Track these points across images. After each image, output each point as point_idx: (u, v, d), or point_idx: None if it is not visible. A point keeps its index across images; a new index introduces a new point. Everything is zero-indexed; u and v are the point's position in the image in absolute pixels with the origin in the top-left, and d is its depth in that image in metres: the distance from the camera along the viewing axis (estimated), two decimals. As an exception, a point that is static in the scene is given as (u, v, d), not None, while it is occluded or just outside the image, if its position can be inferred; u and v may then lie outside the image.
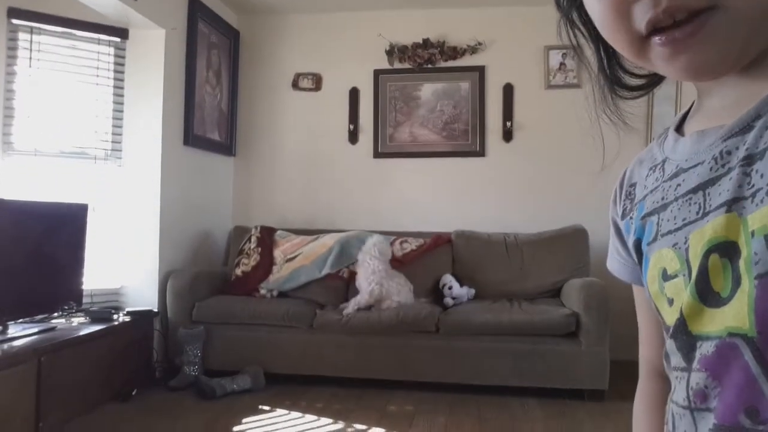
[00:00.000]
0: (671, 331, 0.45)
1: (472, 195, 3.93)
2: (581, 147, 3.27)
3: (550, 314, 2.95)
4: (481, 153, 3.94)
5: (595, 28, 0.51)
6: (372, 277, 3.14)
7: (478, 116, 3.94)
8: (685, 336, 0.43)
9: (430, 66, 3.97)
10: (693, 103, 0.53)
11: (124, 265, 3.25)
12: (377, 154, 4.02)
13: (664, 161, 0.51)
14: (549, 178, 3.82)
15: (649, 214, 0.50)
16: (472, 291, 3.38)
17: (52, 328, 2.53)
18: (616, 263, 0.60)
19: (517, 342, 2.91)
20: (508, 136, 3.92)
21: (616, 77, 0.56)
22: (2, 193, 2.88)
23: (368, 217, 3.89)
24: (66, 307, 2.75)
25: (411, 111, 4.00)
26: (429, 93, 3.99)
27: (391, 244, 3.45)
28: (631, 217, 0.55)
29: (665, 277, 0.46)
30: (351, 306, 3.12)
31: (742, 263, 0.38)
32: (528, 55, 3.88)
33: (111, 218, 3.24)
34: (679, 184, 0.47)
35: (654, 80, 0.56)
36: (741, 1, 0.39)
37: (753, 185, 0.38)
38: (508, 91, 3.93)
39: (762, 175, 0.38)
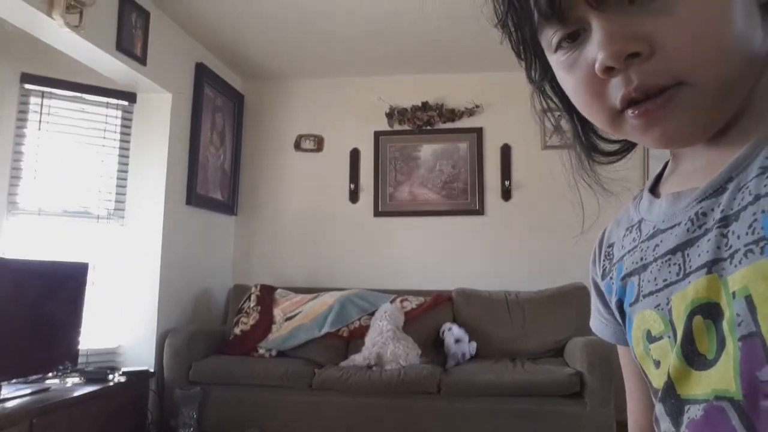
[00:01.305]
0: (660, 394, 0.45)
1: (472, 253, 3.94)
2: (579, 206, 3.30)
3: (553, 374, 2.89)
4: (480, 211, 3.98)
5: (567, 98, 0.52)
6: (378, 338, 3.11)
7: (476, 176, 4.00)
8: (673, 399, 0.43)
9: (429, 128, 4.07)
10: (666, 164, 0.54)
11: (122, 323, 3.22)
12: (378, 213, 4.06)
13: (640, 222, 0.52)
14: (548, 235, 3.83)
15: (629, 274, 0.50)
16: (474, 344, 3.33)
17: (46, 389, 2.48)
18: (598, 323, 0.60)
19: (520, 403, 2.84)
20: (506, 195, 3.97)
21: (591, 143, 0.56)
22: (5, 252, 2.90)
23: (369, 275, 3.89)
24: (61, 368, 2.71)
25: (411, 171, 4.07)
26: (428, 153, 4.07)
27: (391, 302, 3.43)
28: (611, 278, 0.55)
29: (650, 338, 0.46)
30: (347, 362, 3.07)
31: (725, 325, 0.38)
32: (525, 117, 3.96)
33: (111, 276, 3.24)
34: (657, 245, 0.47)
35: (628, 145, 0.57)
36: (706, 77, 0.40)
37: (730, 246, 0.39)
38: (506, 151, 4.01)
39: (738, 237, 0.38)
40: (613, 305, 0.55)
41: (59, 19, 2.46)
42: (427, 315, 3.47)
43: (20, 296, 2.55)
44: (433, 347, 3.36)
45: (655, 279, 0.46)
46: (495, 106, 4.00)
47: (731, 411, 0.37)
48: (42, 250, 3.03)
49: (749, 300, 0.36)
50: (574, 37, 0.44)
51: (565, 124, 0.57)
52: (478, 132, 4.04)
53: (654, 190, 0.53)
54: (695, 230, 0.43)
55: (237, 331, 3.40)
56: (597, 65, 0.42)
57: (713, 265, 0.40)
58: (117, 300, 3.23)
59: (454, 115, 4.06)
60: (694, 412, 0.40)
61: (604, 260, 0.57)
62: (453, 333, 3.29)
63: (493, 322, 3.45)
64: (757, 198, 0.38)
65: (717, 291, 0.39)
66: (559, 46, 0.46)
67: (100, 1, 2.65)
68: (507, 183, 3.97)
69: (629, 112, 0.43)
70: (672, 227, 0.46)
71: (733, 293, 0.37)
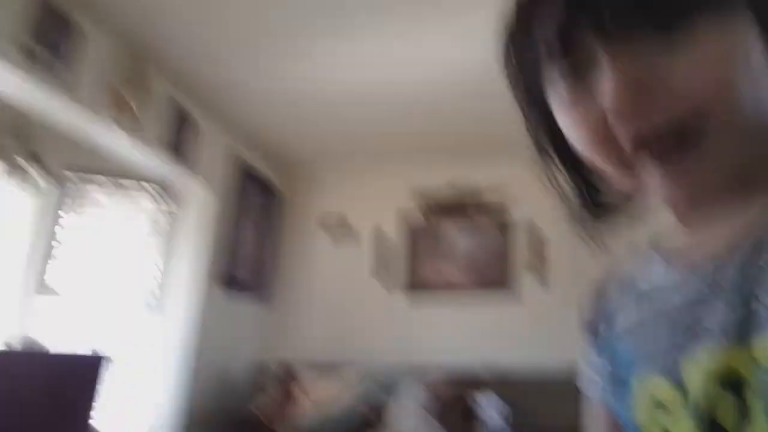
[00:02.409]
0: None
1: (504, 337, 3.83)
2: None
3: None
4: (511, 293, 3.91)
5: (563, 150, 0.49)
6: (405, 422, 3.00)
7: (506, 259, 3.97)
8: None
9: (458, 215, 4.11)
10: (668, 224, 0.50)
11: (147, 414, 3.20)
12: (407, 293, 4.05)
13: (640, 279, 0.49)
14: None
15: (626, 333, 0.47)
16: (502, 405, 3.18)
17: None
18: (593, 388, 0.54)
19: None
20: (540, 279, 3.91)
21: (593, 198, 0.52)
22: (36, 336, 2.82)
23: (395, 356, 3.81)
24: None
25: (438, 252, 4.07)
26: (458, 235, 4.08)
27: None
28: (605, 337, 0.52)
29: (658, 406, 0.42)
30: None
31: (750, 396, 0.35)
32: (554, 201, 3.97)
33: (138, 365, 3.25)
34: (661, 302, 0.44)
35: (627, 198, 0.52)
36: (726, 124, 0.38)
37: (753, 311, 0.36)
38: (537, 235, 3.98)
39: (760, 300, 0.36)
40: (600, 367, 0.52)
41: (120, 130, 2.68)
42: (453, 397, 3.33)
43: (27, 389, 2.23)
44: (463, 425, 3.21)
45: (656, 339, 0.43)
46: (526, 192, 4.00)
47: None
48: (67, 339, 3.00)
49: None
50: (580, 73, 0.41)
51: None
52: (508, 217, 4.05)
53: (658, 247, 0.50)
54: (705, 291, 0.40)
55: (259, 412, 3.34)
56: (610, 116, 0.39)
57: (732, 331, 0.37)
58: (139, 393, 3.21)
59: (485, 206, 4.09)
60: None
61: (597, 315, 0.54)
62: (491, 400, 3.17)
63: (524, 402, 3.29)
64: None
65: (738, 359, 0.36)
66: (562, 79, 0.43)
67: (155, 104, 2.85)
68: (539, 267, 3.91)
69: (648, 158, 0.40)
70: (679, 285, 0.43)
71: (757, 360, 0.35)
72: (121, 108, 2.75)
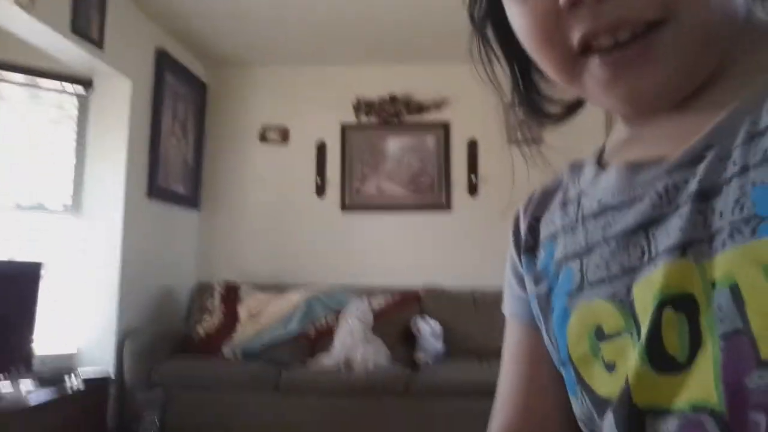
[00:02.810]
0: (614, 404, 0.37)
1: (439, 248, 3.94)
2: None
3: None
4: (447, 206, 3.98)
5: (510, 44, 0.46)
6: (347, 340, 3.07)
7: (443, 171, 3.99)
8: (629, 410, 0.35)
9: (396, 121, 4.02)
10: (612, 133, 0.47)
11: (80, 326, 3.08)
12: (344, 208, 4.00)
13: (579, 195, 0.45)
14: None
15: (566, 258, 0.43)
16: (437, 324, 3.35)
17: (-2, 397, 2.35)
18: (516, 304, 0.52)
19: (488, 402, 2.84)
20: (473, 190, 3.98)
21: (532, 101, 0.50)
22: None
23: (335, 271, 3.84)
24: (14, 373, 2.57)
25: (378, 165, 4.02)
26: (396, 147, 4.03)
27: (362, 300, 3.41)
28: (535, 256, 0.48)
29: (600, 336, 0.39)
30: (315, 363, 3.04)
31: (702, 320, 0.32)
32: (492, 111, 3.98)
33: (68, 274, 3.08)
34: (608, 224, 0.40)
35: (572, 108, 0.51)
36: (695, 14, 0.35)
37: (710, 225, 0.33)
38: (473, 146, 4.01)
39: (721, 214, 0.32)
40: (530, 289, 0.48)
41: (10, -1, 2.28)
42: (394, 313, 3.46)
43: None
44: (403, 342, 3.36)
45: (607, 264, 0.39)
46: (463, 101, 3.97)
47: (712, 425, 0.31)
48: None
49: (735, 290, 0.30)
50: None
51: (504, 81, 0.51)
52: (445, 126, 4.02)
53: (600, 161, 0.46)
54: (664, 206, 0.36)
55: (200, 331, 3.30)
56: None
57: (687, 247, 0.34)
58: (74, 300, 3.08)
59: (421, 107, 4.02)
60: (663, 427, 0.33)
61: (525, 233, 0.50)
62: (431, 325, 3.29)
63: (460, 320, 3.47)
64: (745, 169, 0.32)
65: (692, 279, 0.33)
66: None
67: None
68: (474, 178, 3.98)
69: (595, 59, 0.37)
70: (629, 202, 0.39)
71: (713, 282, 0.32)
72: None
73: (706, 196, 0.34)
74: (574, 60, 0.38)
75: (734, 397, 0.30)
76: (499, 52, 0.49)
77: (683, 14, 0.35)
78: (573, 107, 0.51)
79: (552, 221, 0.47)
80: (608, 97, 0.39)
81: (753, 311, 0.29)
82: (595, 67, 0.37)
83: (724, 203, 0.32)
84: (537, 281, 0.47)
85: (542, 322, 0.47)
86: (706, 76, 0.37)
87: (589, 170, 0.45)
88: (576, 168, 0.48)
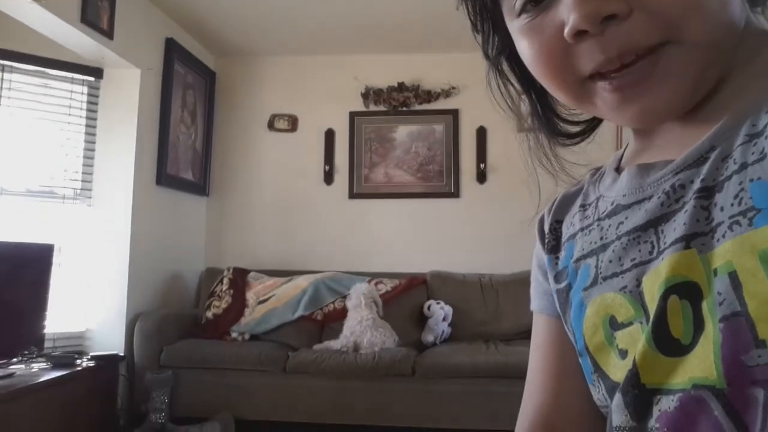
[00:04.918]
0: (621, 385, 0.40)
1: (447, 235, 3.94)
2: (553, 188, 3.32)
3: (525, 356, 2.91)
4: (455, 194, 3.97)
5: (525, 76, 0.48)
6: (357, 327, 3.09)
7: (452, 158, 3.99)
8: (637, 390, 0.38)
9: (404, 109, 4.03)
10: (627, 144, 0.50)
11: (91, 307, 3.14)
12: (352, 195, 4.02)
13: (597, 199, 0.48)
14: (522, 218, 3.83)
15: (584, 256, 0.46)
16: (449, 308, 3.37)
17: (10, 375, 2.41)
18: (542, 300, 0.55)
19: (494, 384, 2.86)
20: (481, 177, 3.97)
21: (552, 125, 0.53)
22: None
23: (343, 258, 3.86)
24: (26, 352, 2.63)
25: (386, 152, 4.03)
26: (404, 135, 4.04)
27: (368, 283, 3.43)
28: (557, 257, 0.52)
29: (614, 326, 0.41)
30: (322, 346, 3.07)
31: (704, 305, 0.34)
32: (500, 99, 3.96)
33: (79, 259, 3.15)
34: (621, 222, 0.43)
35: (591, 126, 0.53)
36: (693, 32, 0.37)
37: (712, 219, 0.35)
38: (482, 133, 4.00)
39: (722, 208, 0.35)
40: (552, 286, 0.51)
41: (19, -11, 2.33)
42: (402, 297, 3.47)
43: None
44: (411, 325, 3.37)
45: (620, 259, 0.42)
46: (471, 88, 3.96)
47: (712, 400, 0.33)
48: (5, 231, 2.92)
49: (733, 276, 0.33)
50: (540, 0, 0.40)
51: (524, 107, 0.54)
52: (454, 114, 4.01)
53: (618, 168, 0.49)
54: (671, 204, 0.39)
55: (209, 314, 3.34)
56: (567, 29, 0.37)
57: (692, 240, 0.36)
58: (85, 283, 3.15)
59: (430, 96, 4.02)
60: (666, 404, 0.36)
61: (548, 234, 0.54)
62: (444, 309, 3.30)
63: (467, 304, 3.47)
64: (744, 166, 0.34)
65: (696, 268, 0.35)
66: (523, 10, 0.42)
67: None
68: (482, 166, 3.97)
69: (602, 84, 0.39)
70: (640, 201, 0.42)
71: (715, 270, 0.34)
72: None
73: (709, 192, 0.36)
74: (583, 85, 0.41)
75: (734, 374, 0.32)
76: (515, 83, 0.52)
77: (684, 34, 0.36)
78: (592, 125, 0.53)
79: (572, 223, 0.50)
80: (619, 117, 0.41)
81: (750, 295, 0.32)
82: (603, 91, 0.40)
83: (725, 198, 0.35)
84: (558, 279, 0.51)
85: (562, 317, 0.50)
86: (711, 86, 0.40)
87: (608, 176, 0.49)
88: (596, 174, 0.52)
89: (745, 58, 0.40)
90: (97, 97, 3.27)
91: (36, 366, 2.62)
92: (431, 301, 3.39)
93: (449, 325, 3.36)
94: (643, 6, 0.36)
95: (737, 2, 0.39)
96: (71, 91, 3.20)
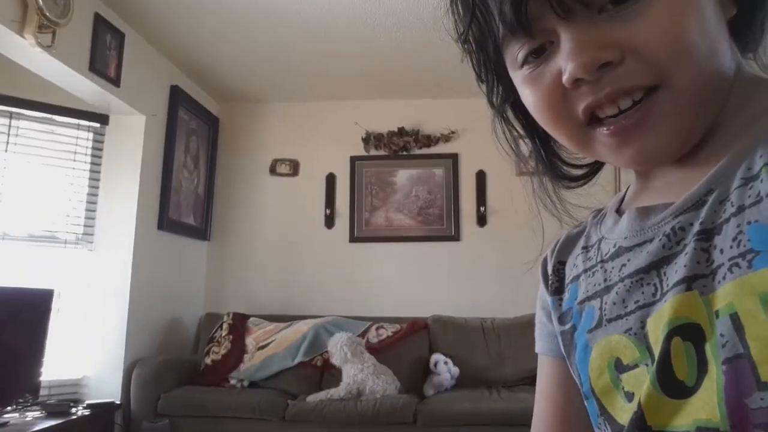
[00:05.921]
0: (627, 427, 0.40)
1: (448, 279, 3.92)
2: (557, 230, 3.32)
3: (529, 402, 2.85)
4: (456, 237, 3.98)
5: (529, 122, 0.50)
6: (360, 374, 3.03)
7: (452, 201, 4.01)
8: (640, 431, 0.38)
9: (405, 153, 4.08)
10: (629, 186, 0.51)
11: (88, 353, 3.10)
12: (353, 239, 4.02)
13: (600, 241, 0.49)
14: (523, 261, 3.82)
15: (588, 298, 0.47)
16: (456, 369, 3.30)
17: (4, 424, 2.36)
18: (546, 341, 0.56)
19: (496, 431, 2.80)
20: (482, 220, 3.98)
21: (555, 168, 0.54)
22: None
23: (344, 302, 3.83)
24: (21, 400, 2.58)
25: (387, 196, 4.06)
26: (404, 179, 4.07)
27: (367, 330, 3.38)
28: (560, 298, 0.52)
29: (620, 368, 0.42)
30: (322, 395, 3.00)
31: (708, 347, 0.35)
32: (500, 143, 4.01)
33: (78, 304, 3.13)
34: (624, 264, 0.43)
35: (594, 169, 0.54)
36: (683, 76, 0.38)
37: (713, 261, 0.36)
38: (481, 177, 4.03)
39: (721, 251, 0.35)
40: (556, 327, 0.51)
41: (31, 38, 2.39)
42: (403, 343, 3.43)
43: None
44: (413, 372, 3.31)
45: (624, 301, 0.42)
46: (470, 132, 4.02)
47: None
48: (5, 276, 2.91)
49: (735, 318, 0.33)
50: (540, 52, 0.42)
51: (526, 150, 0.55)
52: (454, 158, 4.06)
53: (618, 210, 0.50)
54: (673, 246, 0.39)
55: (208, 360, 3.30)
56: (566, 76, 0.39)
57: (693, 282, 0.36)
58: (83, 329, 3.11)
59: (430, 140, 4.07)
60: None
61: (552, 275, 0.55)
62: (450, 371, 3.25)
63: (469, 349, 3.42)
64: (741, 209, 0.35)
65: (698, 310, 0.35)
66: (525, 62, 0.43)
67: (73, 21, 2.59)
68: (482, 209, 3.98)
69: (601, 129, 0.41)
70: (642, 244, 0.42)
71: (717, 312, 0.34)
72: (43, 26, 2.48)
73: (708, 234, 0.37)
74: (583, 131, 0.43)
75: (737, 417, 0.32)
76: (520, 130, 0.53)
77: (675, 78, 0.38)
78: (594, 168, 0.55)
79: (575, 265, 0.51)
80: (618, 159, 0.43)
81: (752, 337, 0.32)
82: (602, 136, 0.41)
83: (724, 240, 0.35)
84: (562, 321, 0.51)
85: (567, 359, 0.50)
86: (705, 130, 0.41)
87: (609, 218, 0.49)
88: (598, 216, 0.53)
89: (738, 103, 0.41)
90: (101, 142, 3.32)
91: (30, 414, 2.57)
92: (439, 358, 3.30)
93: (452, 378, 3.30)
94: (634, 52, 0.38)
95: (727, 49, 0.40)
96: (77, 137, 3.25)
